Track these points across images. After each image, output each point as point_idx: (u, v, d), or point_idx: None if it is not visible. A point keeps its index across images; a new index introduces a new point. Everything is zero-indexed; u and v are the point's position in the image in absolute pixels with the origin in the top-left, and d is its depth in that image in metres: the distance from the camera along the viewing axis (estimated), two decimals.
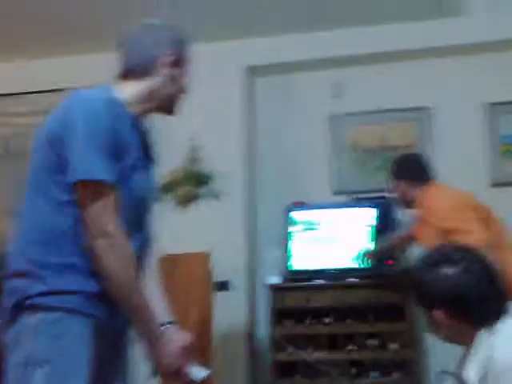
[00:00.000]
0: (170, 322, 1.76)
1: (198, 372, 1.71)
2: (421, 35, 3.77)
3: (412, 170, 3.03)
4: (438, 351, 3.47)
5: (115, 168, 1.61)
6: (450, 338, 1.73)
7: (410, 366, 3.24)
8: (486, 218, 2.74)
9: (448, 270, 1.66)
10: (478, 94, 3.78)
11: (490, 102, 3.77)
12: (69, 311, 1.58)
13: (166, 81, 1.77)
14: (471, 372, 1.61)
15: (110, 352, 1.70)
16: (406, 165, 3.10)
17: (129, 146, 1.67)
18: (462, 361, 1.72)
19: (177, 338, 1.70)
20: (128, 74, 1.77)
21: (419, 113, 3.86)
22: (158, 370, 1.68)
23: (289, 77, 4.07)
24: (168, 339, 1.66)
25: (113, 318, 1.65)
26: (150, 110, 1.81)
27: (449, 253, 1.72)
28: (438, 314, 1.67)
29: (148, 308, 1.64)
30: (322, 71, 4.00)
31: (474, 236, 2.54)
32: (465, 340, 1.68)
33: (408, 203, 3.01)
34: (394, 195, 3.11)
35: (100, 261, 1.57)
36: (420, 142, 3.83)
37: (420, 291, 1.74)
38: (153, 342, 1.63)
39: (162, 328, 1.70)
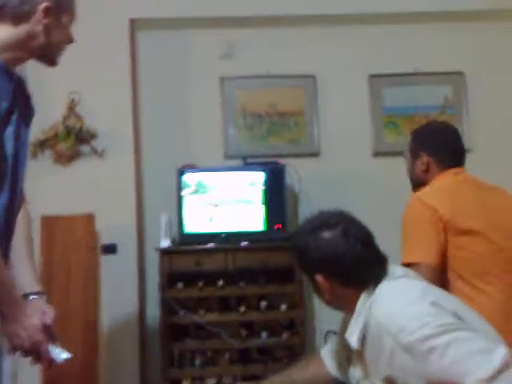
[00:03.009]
0: (37, 293, 1.62)
1: (59, 353, 1.58)
2: (311, 2, 3.78)
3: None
4: (324, 312, 3.67)
5: None
6: (334, 303, 1.74)
7: (297, 326, 3.36)
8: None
9: (325, 234, 1.67)
10: (363, 66, 3.89)
11: (372, 73, 3.90)
12: None
13: (39, 30, 1.60)
14: (353, 335, 1.64)
15: None
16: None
17: None
18: (344, 323, 1.77)
19: (40, 312, 1.57)
20: None
21: (306, 80, 3.91)
22: (13, 345, 1.53)
23: (177, 33, 3.90)
24: (30, 312, 1.53)
25: None
26: (22, 59, 1.64)
27: (326, 218, 1.74)
28: (319, 278, 1.68)
29: (4, 276, 1.47)
30: (212, 31, 3.88)
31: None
32: (347, 304, 1.69)
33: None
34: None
35: None
36: (307, 109, 3.91)
37: (300, 257, 1.74)
38: (9, 314, 1.49)
39: (26, 299, 1.56)
